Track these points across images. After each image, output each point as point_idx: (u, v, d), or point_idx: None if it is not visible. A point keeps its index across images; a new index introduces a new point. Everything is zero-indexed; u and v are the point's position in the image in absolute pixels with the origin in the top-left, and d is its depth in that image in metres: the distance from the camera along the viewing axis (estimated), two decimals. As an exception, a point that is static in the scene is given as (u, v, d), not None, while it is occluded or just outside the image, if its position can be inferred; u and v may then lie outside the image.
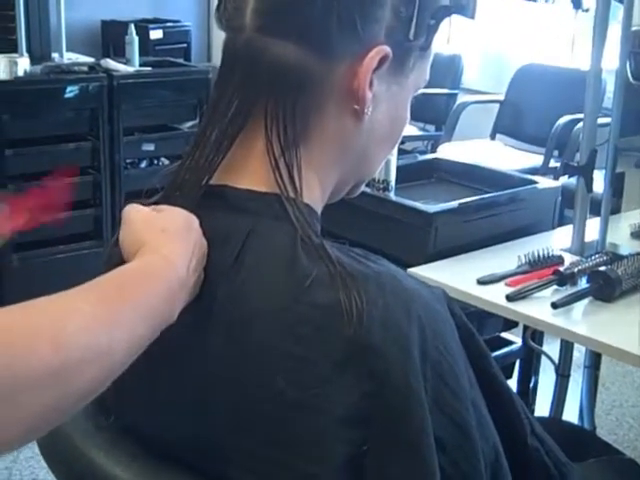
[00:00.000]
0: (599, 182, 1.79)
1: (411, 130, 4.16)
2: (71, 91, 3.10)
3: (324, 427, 0.70)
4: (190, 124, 3.37)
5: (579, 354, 2.10)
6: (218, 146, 0.80)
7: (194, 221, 0.77)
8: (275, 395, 0.72)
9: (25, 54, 3.24)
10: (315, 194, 0.82)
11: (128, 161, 3.35)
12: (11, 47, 3.29)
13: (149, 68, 3.36)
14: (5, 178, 3.07)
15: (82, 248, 3.19)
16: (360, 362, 0.71)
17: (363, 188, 0.94)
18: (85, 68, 3.23)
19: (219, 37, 0.83)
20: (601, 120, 1.78)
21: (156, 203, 0.84)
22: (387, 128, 0.85)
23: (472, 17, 0.82)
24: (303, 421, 0.71)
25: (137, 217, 0.77)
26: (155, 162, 3.41)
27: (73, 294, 0.66)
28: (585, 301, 1.50)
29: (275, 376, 0.72)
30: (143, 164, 3.42)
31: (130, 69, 3.29)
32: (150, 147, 3.31)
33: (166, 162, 3.35)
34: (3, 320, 0.60)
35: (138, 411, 0.82)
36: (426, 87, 0.88)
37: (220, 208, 0.79)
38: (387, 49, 0.78)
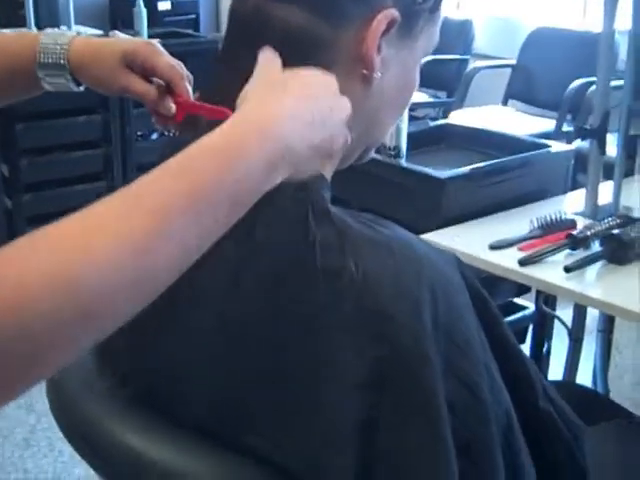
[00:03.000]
0: (612, 146, 1.77)
1: (422, 97, 4.13)
2: (80, 64, 3.09)
3: (336, 392, 0.71)
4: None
5: (592, 320, 2.09)
6: None
7: (333, 83, 0.72)
8: (288, 361, 0.72)
9: (33, 28, 3.24)
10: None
11: (139, 133, 3.35)
12: (19, 21, 3.28)
13: (158, 40, 3.34)
14: (17, 152, 3.08)
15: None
16: (371, 327, 0.71)
17: (374, 155, 0.94)
18: (94, 40, 3.22)
19: (227, 7, 0.83)
20: (614, 83, 1.76)
21: None
22: (396, 92, 0.85)
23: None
24: (315, 387, 0.71)
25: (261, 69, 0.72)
26: (165, 133, 3.40)
27: (115, 208, 0.58)
28: (598, 264, 1.50)
29: (287, 341, 0.72)
30: (154, 136, 3.42)
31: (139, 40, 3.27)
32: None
33: (177, 133, 3.35)
34: (24, 260, 0.54)
35: (152, 377, 0.83)
36: (436, 53, 0.87)
37: None
38: (395, 12, 0.77)
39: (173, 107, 0.88)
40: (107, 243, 0.55)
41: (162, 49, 0.91)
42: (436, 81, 3.98)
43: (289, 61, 0.77)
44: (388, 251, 0.74)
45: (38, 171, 3.16)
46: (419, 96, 4.06)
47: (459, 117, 3.63)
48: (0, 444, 2.35)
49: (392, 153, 1.85)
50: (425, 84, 0.89)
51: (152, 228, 0.57)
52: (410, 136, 1.90)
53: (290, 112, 0.67)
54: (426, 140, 2.08)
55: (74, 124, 3.18)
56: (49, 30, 0.95)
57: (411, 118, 2.06)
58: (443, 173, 1.76)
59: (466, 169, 1.79)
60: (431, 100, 4.28)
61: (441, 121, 2.55)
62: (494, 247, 1.57)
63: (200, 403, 0.79)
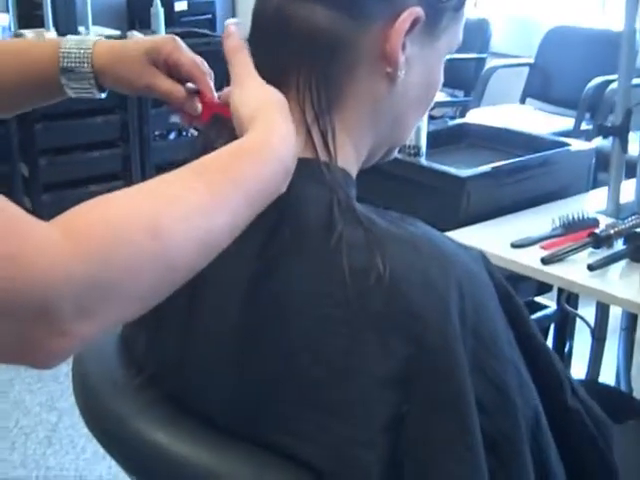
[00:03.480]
0: (633, 144, 1.76)
1: (439, 96, 4.08)
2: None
3: (363, 389, 0.71)
4: (218, 95, 3.37)
5: (614, 319, 2.08)
6: None
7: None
8: (313, 358, 0.72)
9: (52, 29, 3.25)
10: (349, 158, 0.82)
11: (157, 133, 3.36)
12: (38, 22, 3.29)
13: (175, 38, 3.34)
14: (36, 152, 3.10)
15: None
16: (399, 326, 0.71)
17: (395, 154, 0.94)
18: (112, 41, 3.23)
19: (244, 7, 0.83)
20: (635, 81, 1.75)
21: None
22: (420, 91, 0.85)
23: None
24: (342, 384, 0.71)
25: (250, 78, 0.77)
26: (184, 134, 3.41)
27: (180, 179, 0.65)
28: (622, 263, 1.49)
29: (314, 340, 0.72)
30: (172, 136, 3.43)
31: (157, 40, 3.28)
32: (178, 119, 3.32)
33: (195, 133, 3.35)
34: (99, 212, 0.61)
35: (176, 376, 0.83)
36: (454, 52, 0.87)
37: None
38: (419, 11, 0.77)
39: (199, 107, 0.88)
40: (183, 203, 0.63)
41: (184, 45, 0.91)
42: (453, 80, 3.95)
43: (312, 61, 0.77)
44: (415, 249, 0.73)
45: (57, 171, 3.17)
46: (436, 95, 4.04)
47: (477, 116, 3.62)
48: (22, 442, 2.36)
49: (412, 152, 1.85)
50: (442, 83, 0.89)
51: (211, 197, 0.65)
52: (429, 135, 1.89)
53: (289, 131, 0.73)
54: (445, 139, 2.08)
55: (92, 124, 3.19)
56: (70, 36, 0.95)
57: (428, 117, 2.05)
58: (463, 172, 1.75)
59: (486, 168, 1.78)
60: (448, 99, 4.26)
61: (460, 120, 2.55)
62: (516, 245, 1.56)
63: (223, 400, 0.78)
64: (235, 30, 0.80)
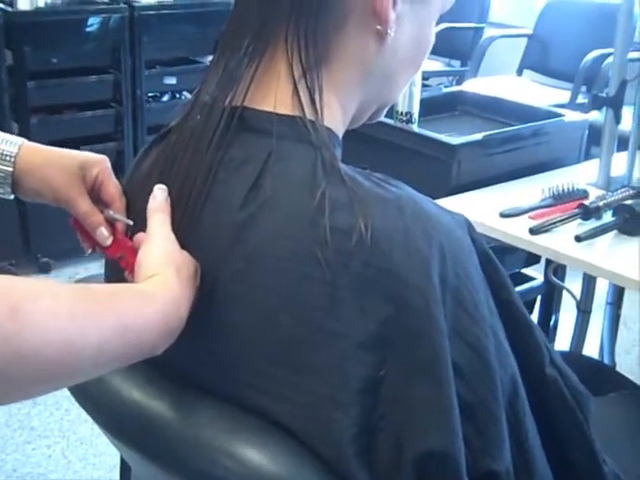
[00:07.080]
0: (627, 118, 1.75)
1: (435, 65, 4.09)
2: (92, 23, 3.07)
3: (341, 350, 0.70)
4: (212, 57, 3.34)
5: (600, 294, 2.08)
6: (238, 69, 0.79)
7: (198, 270, 0.76)
8: (291, 318, 0.71)
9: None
10: (336, 117, 0.81)
11: (150, 94, 3.32)
12: None
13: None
14: (27, 110, 3.06)
15: (104, 181, 3.19)
16: (379, 286, 0.70)
17: (386, 120, 0.92)
18: (106, -1, 3.19)
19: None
20: (631, 55, 1.73)
21: (177, 125, 0.83)
22: (411, 50, 0.84)
23: None
24: (320, 344, 0.71)
25: (161, 240, 0.76)
26: (177, 96, 3.38)
27: (60, 285, 0.65)
28: (610, 235, 1.48)
29: (292, 299, 0.71)
30: (165, 97, 3.39)
31: (151, 0, 3.24)
32: (172, 80, 3.29)
33: (188, 96, 3.32)
34: None
35: None
36: (452, 21, 0.86)
37: (240, 130, 0.78)
38: None
39: (109, 240, 0.86)
40: (54, 301, 0.63)
41: (111, 170, 0.90)
42: (450, 49, 3.93)
43: (301, 16, 0.75)
44: (398, 210, 0.72)
45: (48, 130, 3.14)
46: (432, 64, 4.02)
47: (473, 86, 3.59)
48: (6, 402, 2.36)
49: (404, 118, 1.82)
50: (439, 52, 0.88)
51: (85, 307, 0.65)
52: (423, 102, 1.87)
53: (183, 296, 0.73)
54: (439, 107, 2.06)
55: (85, 83, 3.15)
56: None
57: (423, 87, 2.03)
58: (454, 139, 1.74)
59: (478, 136, 1.77)
60: (445, 69, 4.23)
61: (455, 88, 2.53)
62: (505, 215, 1.56)
63: (199, 358, 0.78)
64: (160, 194, 0.79)
